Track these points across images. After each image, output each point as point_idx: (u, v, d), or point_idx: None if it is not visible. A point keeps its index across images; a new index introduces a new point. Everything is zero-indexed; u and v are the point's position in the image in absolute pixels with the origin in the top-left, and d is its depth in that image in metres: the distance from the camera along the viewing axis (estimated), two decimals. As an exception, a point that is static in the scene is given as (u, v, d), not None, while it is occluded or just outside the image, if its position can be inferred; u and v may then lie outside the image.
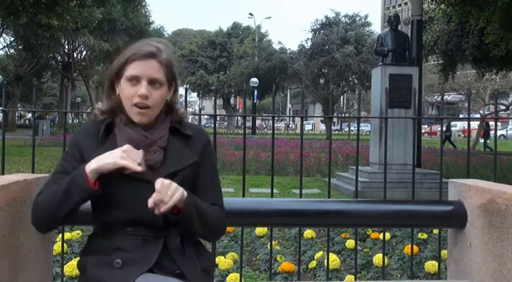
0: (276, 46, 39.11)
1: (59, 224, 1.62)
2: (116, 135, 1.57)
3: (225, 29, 53.26)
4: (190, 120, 1.73)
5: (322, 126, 48.02)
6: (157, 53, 1.56)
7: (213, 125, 2.71)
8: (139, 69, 1.54)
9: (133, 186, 1.52)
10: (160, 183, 1.43)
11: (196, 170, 1.63)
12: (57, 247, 3.40)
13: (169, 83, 1.60)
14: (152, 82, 1.54)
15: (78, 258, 1.66)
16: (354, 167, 4.70)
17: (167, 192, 1.42)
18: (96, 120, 1.62)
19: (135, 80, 1.54)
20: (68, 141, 1.65)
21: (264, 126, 52.55)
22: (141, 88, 1.52)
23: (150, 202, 1.42)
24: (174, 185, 1.45)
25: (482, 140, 24.87)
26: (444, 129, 27.77)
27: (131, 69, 1.54)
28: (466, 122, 2.97)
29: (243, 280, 2.74)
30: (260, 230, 4.87)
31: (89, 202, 1.61)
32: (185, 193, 1.49)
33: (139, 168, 1.46)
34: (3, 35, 32.37)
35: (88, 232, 4.34)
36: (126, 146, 1.48)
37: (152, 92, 1.54)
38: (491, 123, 25.44)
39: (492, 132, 24.73)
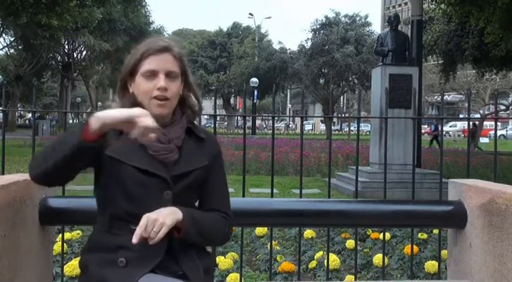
0: (276, 46, 39.16)
1: (45, 176, 1.46)
2: None
3: (225, 29, 53.26)
4: None
5: (322, 126, 48.03)
6: (170, 47, 1.60)
7: (213, 125, 2.71)
8: (156, 63, 1.56)
9: (147, 181, 1.52)
10: (145, 219, 1.41)
11: (206, 175, 1.64)
12: (57, 247, 3.40)
13: (181, 76, 1.63)
14: (168, 75, 1.57)
15: (79, 257, 1.65)
16: (354, 167, 4.70)
17: (152, 230, 1.41)
18: None
19: (152, 74, 1.56)
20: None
21: (264, 126, 52.57)
22: (159, 81, 1.55)
23: (135, 237, 1.40)
24: (160, 220, 1.42)
25: (484, 140, 24.95)
26: (433, 128, 28.32)
27: (147, 64, 1.56)
28: (466, 122, 2.97)
29: (243, 280, 2.74)
30: (260, 230, 4.87)
31: (94, 199, 1.60)
32: (180, 216, 1.48)
33: (152, 125, 1.38)
34: (3, 35, 32.37)
35: (88, 232, 4.34)
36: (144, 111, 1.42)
37: (169, 84, 1.56)
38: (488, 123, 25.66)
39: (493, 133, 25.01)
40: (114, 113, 1.39)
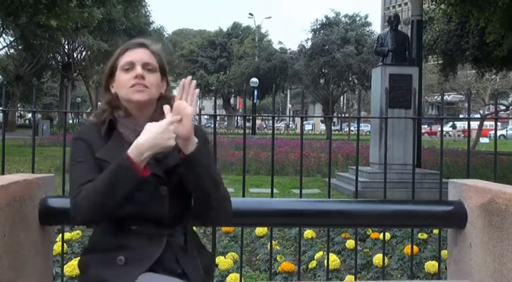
0: (276, 46, 39.16)
1: (104, 218, 1.53)
2: (120, 131, 1.58)
3: (225, 29, 53.27)
4: None
5: (322, 126, 48.00)
6: (147, 44, 1.65)
7: (213, 125, 2.71)
8: (133, 55, 1.61)
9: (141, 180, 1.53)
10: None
11: None
12: (57, 247, 3.40)
13: (161, 73, 1.65)
14: (145, 66, 1.60)
15: (79, 257, 1.65)
16: (354, 167, 4.70)
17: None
18: (96, 122, 1.63)
19: (129, 65, 1.59)
20: (72, 142, 1.61)
21: (264, 126, 52.55)
22: (136, 70, 1.58)
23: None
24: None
25: (485, 140, 25.08)
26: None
27: (125, 58, 1.61)
28: (466, 122, 2.97)
29: (243, 280, 2.74)
30: (260, 230, 4.87)
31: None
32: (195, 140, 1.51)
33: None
34: (3, 35, 32.38)
35: (88, 232, 4.34)
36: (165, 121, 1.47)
37: (146, 74, 1.59)
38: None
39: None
40: (148, 145, 1.44)
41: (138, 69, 1.58)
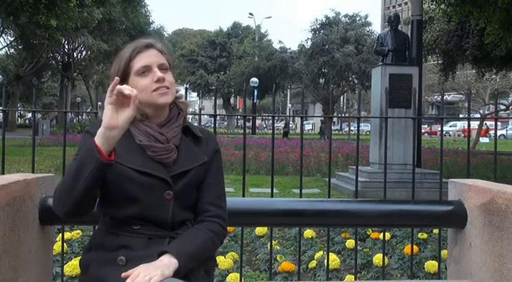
0: (276, 45, 39.18)
1: (75, 207, 1.46)
2: (130, 131, 1.57)
3: (225, 29, 53.27)
4: (190, 120, 1.74)
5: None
6: (153, 43, 1.64)
7: (213, 125, 2.71)
8: (147, 58, 1.59)
9: (148, 183, 1.53)
10: (138, 270, 1.36)
11: (205, 172, 1.64)
12: (57, 247, 3.40)
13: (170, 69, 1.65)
14: (161, 67, 1.59)
15: (80, 256, 1.65)
16: (354, 167, 4.70)
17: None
18: None
19: (146, 70, 1.57)
20: (82, 135, 1.62)
21: (264, 126, 52.56)
22: (155, 74, 1.57)
23: None
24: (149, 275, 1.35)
25: (485, 139, 25.09)
26: (283, 125, 31.33)
27: (139, 62, 1.58)
28: (466, 122, 2.97)
29: (243, 280, 2.74)
30: (260, 230, 4.87)
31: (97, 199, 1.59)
32: (174, 265, 1.42)
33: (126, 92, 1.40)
34: (3, 35, 32.38)
35: (88, 232, 4.34)
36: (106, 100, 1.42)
37: (164, 75, 1.59)
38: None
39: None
40: (103, 126, 1.40)
41: (158, 73, 1.56)
